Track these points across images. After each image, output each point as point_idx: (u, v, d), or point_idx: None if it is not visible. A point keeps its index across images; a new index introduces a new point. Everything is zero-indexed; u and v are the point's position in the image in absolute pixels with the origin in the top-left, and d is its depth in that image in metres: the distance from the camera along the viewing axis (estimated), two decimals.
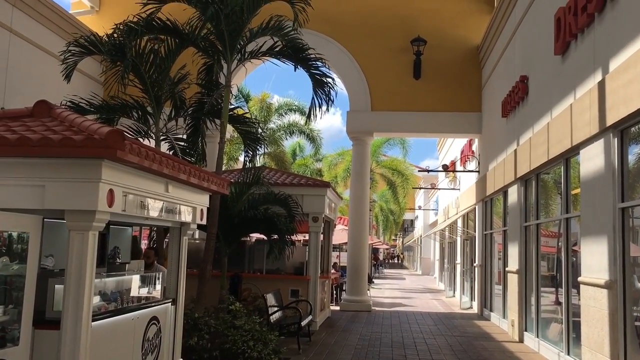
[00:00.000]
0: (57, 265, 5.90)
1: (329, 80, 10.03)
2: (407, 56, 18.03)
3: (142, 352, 6.31)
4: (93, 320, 5.15)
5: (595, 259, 7.81)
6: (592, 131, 7.85)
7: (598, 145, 7.79)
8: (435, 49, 17.76)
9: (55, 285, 5.32)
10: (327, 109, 10.04)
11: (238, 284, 12.70)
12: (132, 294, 6.44)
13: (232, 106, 10.91)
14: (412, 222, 68.70)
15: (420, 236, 50.42)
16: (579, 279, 8.30)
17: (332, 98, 9.97)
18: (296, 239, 14.46)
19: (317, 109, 9.95)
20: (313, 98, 9.95)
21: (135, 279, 6.67)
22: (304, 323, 10.58)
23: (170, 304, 7.10)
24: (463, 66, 18.00)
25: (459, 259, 22.74)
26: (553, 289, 10.92)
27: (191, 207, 7.20)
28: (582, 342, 8.16)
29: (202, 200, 7.47)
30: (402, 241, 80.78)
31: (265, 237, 13.12)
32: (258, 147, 11.04)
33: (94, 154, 4.76)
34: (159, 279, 7.05)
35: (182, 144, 11.02)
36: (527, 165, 11.44)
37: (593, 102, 7.84)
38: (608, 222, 7.38)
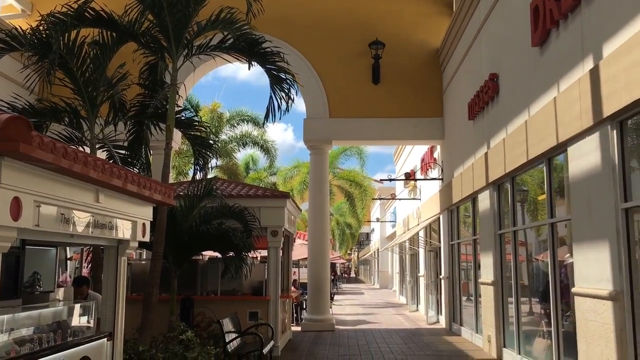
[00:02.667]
0: None
1: (288, 76, 9.00)
2: (365, 61, 17.23)
3: None
4: None
5: (592, 268, 6.99)
6: (585, 125, 7.06)
7: (592, 140, 7.01)
8: (394, 53, 17.03)
9: None
10: (287, 109, 8.99)
11: (190, 309, 11.41)
12: (56, 331, 5.18)
13: (180, 108, 9.73)
14: (367, 235, 68.11)
15: (377, 249, 49.71)
16: (573, 290, 7.47)
17: (292, 97, 8.94)
18: (253, 255, 13.29)
19: (276, 109, 8.88)
20: (271, 97, 8.87)
21: (60, 312, 5.42)
22: (265, 350, 9.42)
23: (106, 339, 5.86)
24: (423, 70, 17.32)
25: (422, 271, 21.95)
26: (536, 301, 10.11)
27: (130, 221, 6.00)
28: (579, 359, 7.31)
29: (144, 213, 6.28)
30: (358, 255, 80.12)
31: (219, 255, 11.96)
32: (209, 154, 9.88)
33: None
34: (91, 309, 5.80)
35: (123, 152, 9.77)
36: (502, 169, 10.67)
37: (584, 92, 7.07)
38: (608, 226, 6.57)
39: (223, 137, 25.17)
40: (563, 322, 8.39)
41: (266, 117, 8.91)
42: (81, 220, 4.89)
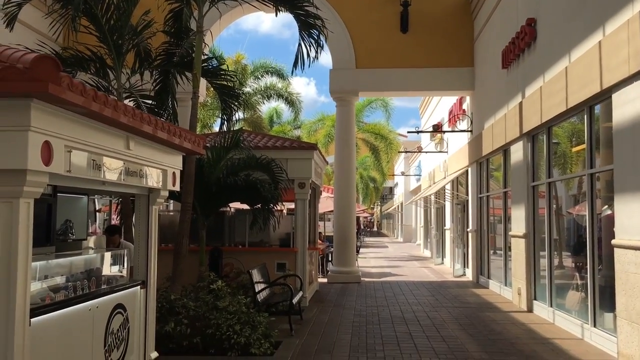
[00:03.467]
0: None
1: (318, 22, 8.67)
2: (393, 8, 16.69)
3: (105, 349, 5.07)
4: (33, 316, 3.90)
5: (636, 219, 6.73)
6: (633, 69, 6.68)
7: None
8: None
9: None
10: (317, 57, 8.70)
11: (218, 259, 11.47)
12: (90, 278, 5.16)
13: (206, 57, 9.49)
14: (391, 189, 67.90)
15: (401, 203, 49.57)
16: (614, 241, 7.23)
17: (321, 43, 8.63)
18: (281, 207, 13.23)
19: (305, 56, 8.59)
20: (300, 44, 8.58)
21: (93, 260, 5.39)
22: (295, 300, 9.42)
23: (139, 287, 5.84)
24: (454, 18, 16.74)
25: (448, 225, 21.79)
26: (568, 254, 9.91)
27: (160, 170, 5.90)
28: (617, 313, 7.13)
29: (174, 162, 6.17)
30: (381, 209, 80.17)
31: (246, 207, 11.92)
32: (236, 104, 9.67)
33: (16, 89, 3.42)
34: (124, 258, 5.76)
35: (150, 102, 9.63)
36: (537, 118, 10.31)
37: (633, 35, 6.66)
38: None
39: (247, 89, 24.87)
40: (598, 275, 8.19)
41: (294, 65, 8.65)
42: (112, 167, 4.78)
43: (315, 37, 8.54)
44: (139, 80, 9.23)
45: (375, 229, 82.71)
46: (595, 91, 7.77)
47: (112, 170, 4.76)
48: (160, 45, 9.62)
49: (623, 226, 7.07)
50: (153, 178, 5.72)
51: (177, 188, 6.28)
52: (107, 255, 5.63)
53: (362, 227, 55.29)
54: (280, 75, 25.20)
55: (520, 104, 11.44)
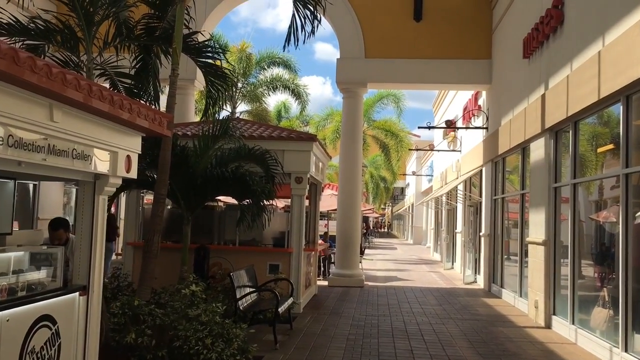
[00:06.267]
0: None
1: None
2: None
3: None
4: None
5: None
6: None
7: None
8: None
9: None
10: (313, 31, 7.59)
11: (205, 258, 10.43)
12: (6, 282, 4.13)
13: (191, 31, 8.43)
14: (402, 189, 66.68)
15: (412, 204, 48.33)
16: None
17: (317, 16, 7.53)
18: (276, 204, 12.17)
19: (299, 30, 7.50)
20: (293, 15, 7.48)
21: (16, 259, 4.35)
22: (281, 309, 8.34)
23: (78, 294, 4.81)
24: (471, 6, 15.61)
25: (459, 228, 20.61)
26: (596, 265, 8.75)
27: (109, 152, 4.85)
28: None
29: (128, 143, 5.11)
30: (392, 210, 78.94)
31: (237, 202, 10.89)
32: (224, 85, 8.60)
33: None
34: (57, 258, 4.72)
35: (128, 81, 8.59)
36: (562, 112, 9.16)
37: None
38: None
39: (252, 80, 23.83)
40: (633, 292, 7.04)
41: (287, 39, 7.56)
42: (28, 143, 3.74)
43: (311, 7, 7.44)
44: (114, 56, 8.19)
45: (385, 229, 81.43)
46: (635, 77, 6.61)
47: (27, 147, 3.73)
48: (141, 17, 8.59)
49: None
50: (98, 161, 4.68)
51: (132, 175, 5.23)
52: (37, 255, 4.59)
53: (371, 227, 54.14)
54: (288, 66, 24.12)
55: (543, 96, 10.29)
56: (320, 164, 13.03)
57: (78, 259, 4.93)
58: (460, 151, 20.93)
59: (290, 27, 7.52)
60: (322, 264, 17.24)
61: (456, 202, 21.20)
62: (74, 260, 4.96)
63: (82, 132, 4.30)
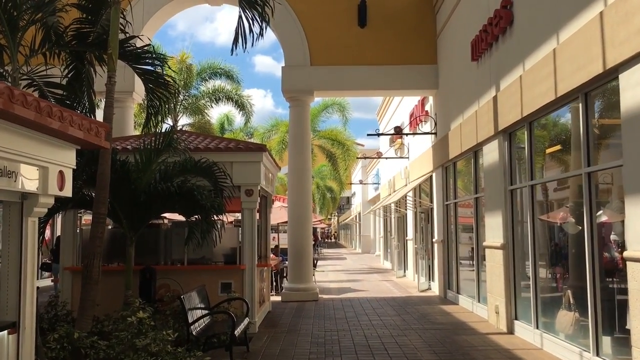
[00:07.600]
0: None
1: None
2: (351, 0, 15.35)
3: None
4: None
5: None
6: None
7: None
8: None
9: None
10: (261, 33, 7.15)
11: (151, 280, 9.73)
12: None
13: (127, 36, 7.82)
14: (348, 199, 66.69)
15: (359, 213, 48.30)
16: (626, 254, 5.92)
17: (265, 17, 7.09)
18: (226, 218, 11.58)
19: (247, 32, 7.03)
20: (240, 17, 7.01)
21: None
22: (237, 331, 7.78)
23: (6, 332, 4.15)
24: (415, 12, 15.55)
25: (410, 235, 20.49)
26: (557, 268, 8.61)
27: (37, 167, 4.24)
28: (632, 342, 5.81)
29: (60, 157, 4.51)
30: (338, 219, 78.92)
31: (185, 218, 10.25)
32: (165, 94, 8.01)
33: None
34: None
35: (59, 92, 7.89)
36: (516, 113, 9.03)
37: None
38: None
39: (194, 91, 23.12)
40: (602, 293, 6.88)
41: (234, 42, 7.06)
42: None
43: (259, 8, 6.98)
44: (42, 64, 7.50)
45: (332, 240, 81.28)
46: (595, 72, 6.48)
47: None
48: (72, 22, 7.93)
49: (636, 235, 5.77)
50: (24, 179, 4.06)
51: (67, 193, 4.62)
52: None
53: (319, 238, 53.79)
54: (230, 77, 23.50)
55: (495, 98, 10.17)
56: (270, 175, 12.54)
57: (5, 292, 4.27)
58: (408, 158, 20.85)
59: (237, 29, 7.04)
60: (274, 279, 16.67)
61: (406, 209, 21.09)
62: (1, 294, 4.30)
63: (4, 144, 3.69)
